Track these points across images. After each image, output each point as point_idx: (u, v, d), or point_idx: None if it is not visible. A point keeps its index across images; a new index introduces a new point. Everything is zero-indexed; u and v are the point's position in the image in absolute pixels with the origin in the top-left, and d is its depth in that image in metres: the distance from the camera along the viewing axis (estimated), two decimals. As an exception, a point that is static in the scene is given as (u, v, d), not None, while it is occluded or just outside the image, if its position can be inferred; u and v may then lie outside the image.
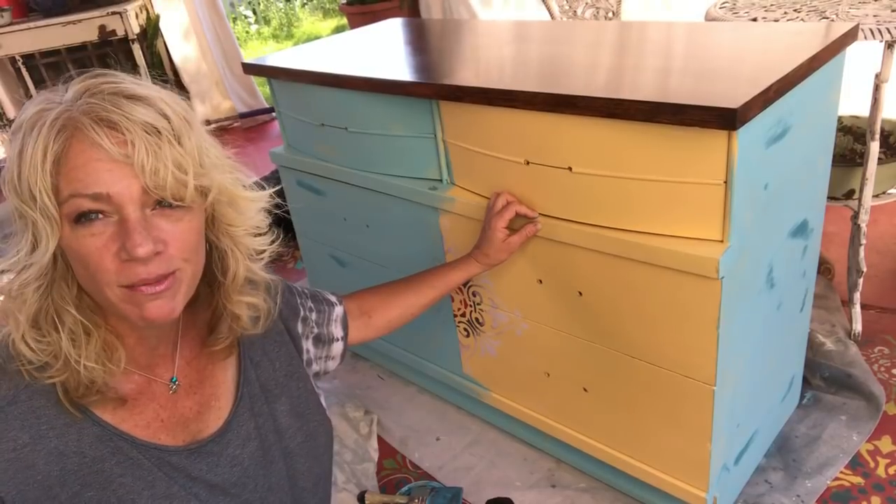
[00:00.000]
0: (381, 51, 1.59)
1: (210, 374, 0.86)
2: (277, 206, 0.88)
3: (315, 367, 1.02)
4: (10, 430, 0.71)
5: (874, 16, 1.47)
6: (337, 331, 1.06)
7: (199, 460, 0.81)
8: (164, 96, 0.71)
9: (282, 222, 0.92)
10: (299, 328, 0.99)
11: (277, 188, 0.87)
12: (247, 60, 1.73)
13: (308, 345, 1.00)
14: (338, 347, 1.07)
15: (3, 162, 0.68)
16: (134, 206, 0.68)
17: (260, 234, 0.83)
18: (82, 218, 0.67)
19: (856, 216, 1.65)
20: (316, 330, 1.02)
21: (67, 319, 0.72)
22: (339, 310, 1.08)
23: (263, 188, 0.84)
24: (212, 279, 0.82)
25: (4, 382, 0.72)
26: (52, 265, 0.70)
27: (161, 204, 0.69)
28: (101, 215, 0.67)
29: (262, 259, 0.85)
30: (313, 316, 1.02)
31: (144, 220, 0.68)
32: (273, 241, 0.85)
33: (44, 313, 0.71)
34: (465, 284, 1.42)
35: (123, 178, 0.67)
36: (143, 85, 0.71)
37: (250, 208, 0.81)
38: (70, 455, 0.72)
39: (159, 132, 0.67)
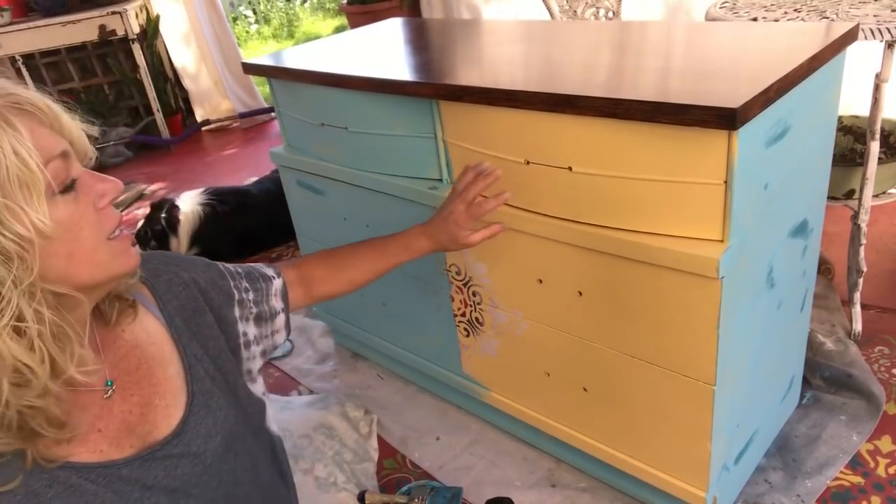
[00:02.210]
0: (381, 50, 1.59)
1: (146, 374, 0.81)
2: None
3: (259, 347, 0.98)
4: None
5: (874, 16, 1.47)
6: (277, 304, 1.03)
7: (155, 466, 0.77)
8: None
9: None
10: (236, 312, 0.95)
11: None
12: (247, 60, 1.73)
13: (247, 327, 0.96)
14: (281, 320, 1.04)
15: None
16: (77, 164, 0.71)
17: None
18: (66, 189, 0.68)
19: (856, 216, 1.65)
20: (255, 309, 0.98)
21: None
22: (277, 283, 1.05)
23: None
24: None
25: None
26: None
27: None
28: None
29: None
30: (250, 296, 0.98)
31: None
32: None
33: None
34: (465, 284, 1.42)
35: (61, 140, 0.69)
36: None
37: None
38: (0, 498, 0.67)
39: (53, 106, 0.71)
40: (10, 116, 0.64)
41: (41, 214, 0.64)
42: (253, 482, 0.89)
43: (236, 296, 0.96)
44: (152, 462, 0.77)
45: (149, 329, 0.84)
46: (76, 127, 0.72)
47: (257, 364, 0.98)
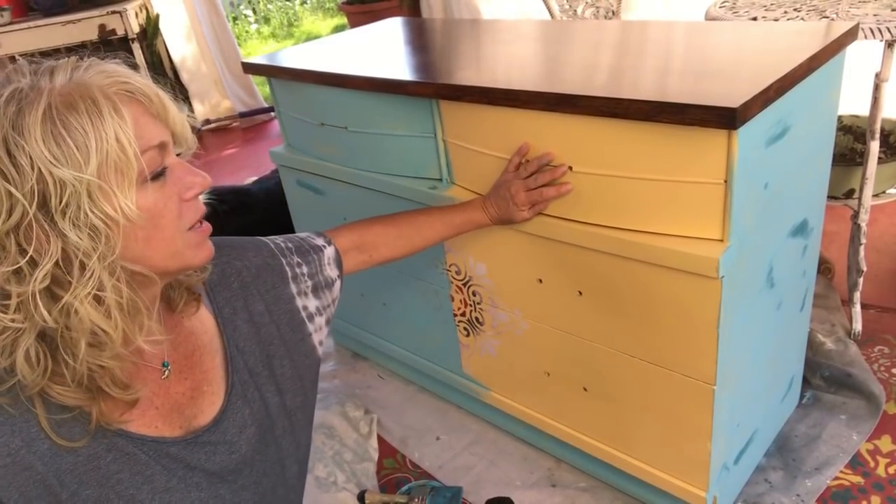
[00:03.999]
0: (381, 50, 1.59)
1: (198, 360, 0.86)
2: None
3: (323, 317, 1.02)
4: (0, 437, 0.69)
5: (874, 15, 1.47)
6: (332, 272, 1.05)
7: (197, 450, 0.81)
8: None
9: None
10: (292, 289, 0.97)
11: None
12: (246, 60, 1.73)
13: (306, 301, 0.98)
14: (337, 287, 1.07)
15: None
16: (173, 154, 0.74)
17: None
18: (156, 176, 0.71)
19: (856, 216, 1.65)
20: (310, 282, 1.00)
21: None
22: (329, 251, 1.06)
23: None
24: None
25: None
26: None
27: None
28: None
29: None
30: (304, 269, 1.00)
31: None
32: None
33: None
34: (465, 284, 1.42)
35: (164, 130, 0.72)
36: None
37: None
38: (64, 455, 0.72)
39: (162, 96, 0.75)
40: (120, 104, 0.68)
41: (129, 200, 0.68)
42: (281, 473, 0.91)
43: (289, 273, 0.98)
44: (195, 446, 0.81)
45: (202, 318, 0.88)
46: (181, 118, 0.75)
47: (324, 333, 1.02)
